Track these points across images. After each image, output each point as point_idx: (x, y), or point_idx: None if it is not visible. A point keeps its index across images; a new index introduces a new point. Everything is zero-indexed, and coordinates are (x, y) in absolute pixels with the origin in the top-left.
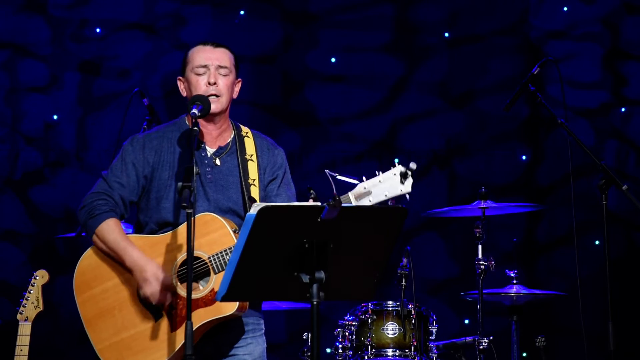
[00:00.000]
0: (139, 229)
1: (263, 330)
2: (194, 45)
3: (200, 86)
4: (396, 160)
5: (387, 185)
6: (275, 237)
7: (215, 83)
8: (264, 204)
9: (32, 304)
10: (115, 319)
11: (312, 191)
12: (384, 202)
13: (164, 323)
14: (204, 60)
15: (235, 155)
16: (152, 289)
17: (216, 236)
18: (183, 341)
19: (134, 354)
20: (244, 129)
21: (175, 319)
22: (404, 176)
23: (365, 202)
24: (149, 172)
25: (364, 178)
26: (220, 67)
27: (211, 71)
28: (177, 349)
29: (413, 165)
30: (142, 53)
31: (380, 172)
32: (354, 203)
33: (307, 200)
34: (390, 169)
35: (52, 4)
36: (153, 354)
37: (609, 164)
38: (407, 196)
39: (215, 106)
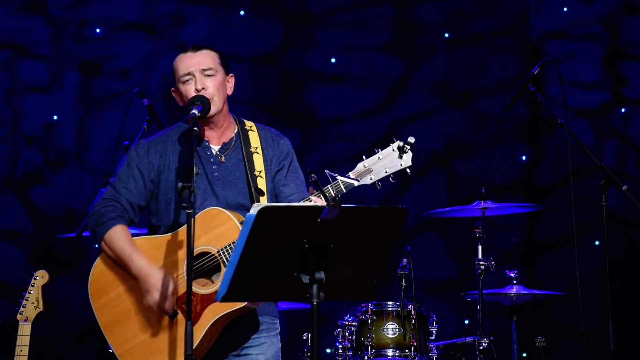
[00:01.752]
0: (152, 232)
1: (278, 330)
2: (178, 55)
3: (190, 94)
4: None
5: (387, 161)
6: (275, 237)
7: (203, 88)
8: (263, 204)
9: (32, 304)
10: (131, 322)
11: (312, 174)
12: (386, 178)
13: (180, 321)
14: (187, 67)
15: (240, 149)
16: (152, 299)
17: (224, 229)
18: (201, 336)
19: (152, 354)
20: (248, 123)
21: (190, 315)
22: (402, 150)
23: (367, 180)
24: (155, 176)
25: (364, 157)
26: (204, 70)
27: (197, 77)
28: (196, 345)
29: (411, 139)
30: (142, 53)
31: (380, 150)
32: (355, 183)
33: (309, 185)
34: (389, 145)
35: (52, 4)
36: (171, 352)
37: (609, 164)
38: (408, 170)
39: (211, 109)
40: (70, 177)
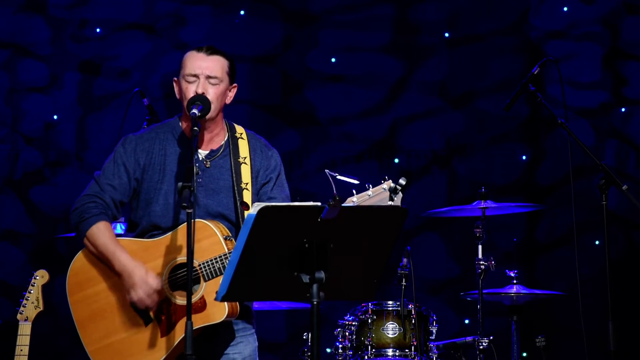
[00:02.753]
0: (131, 227)
1: (254, 330)
2: (191, 49)
3: (189, 94)
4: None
5: (377, 199)
6: (275, 237)
7: (203, 93)
8: (264, 204)
9: (32, 304)
10: (106, 322)
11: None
12: None
13: (154, 328)
14: (195, 69)
15: (229, 158)
16: (138, 294)
17: (207, 244)
18: (172, 347)
19: (123, 357)
20: (239, 130)
21: (165, 324)
22: (393, 192)
23: None
24: (139, 174)
25: (354, 191)
26: (210, 77)
27: (200, 81)
28: (166, 355)
29: (402, 181)
30: (142, 53)
31: (371, 186)
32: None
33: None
34: (381, 183)
35: (52, 4)
36: (143, 357)
37: (609, 164)
38: None
39: (210, 110)
40: (70, 177)
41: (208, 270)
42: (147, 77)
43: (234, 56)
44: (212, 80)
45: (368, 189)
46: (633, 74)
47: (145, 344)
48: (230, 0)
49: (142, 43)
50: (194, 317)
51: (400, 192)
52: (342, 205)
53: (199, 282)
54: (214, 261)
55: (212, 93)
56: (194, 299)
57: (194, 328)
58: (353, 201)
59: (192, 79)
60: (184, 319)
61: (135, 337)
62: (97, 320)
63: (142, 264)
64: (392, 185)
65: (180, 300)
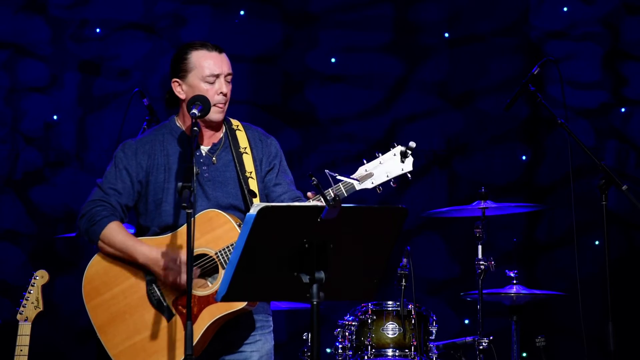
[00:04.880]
0: (140, 233)
1: (271, 328)
2: (194, 48)
3: (211, 96)
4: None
5: (388, 165)
6: (275, 237)
7: (225, 94)
8: (263, 204)
9: (32, 304)
10: (127, 323)
11: (313, 178)
12: (386, 183)
13: (177, 322)
14: (215, 69)
15: (229, 150)
16: (172, 276)
17: (221, 231)
18: (197, 339)
19: (149, 355)
20: (234, 122)
21: (191, 315)
22: (403, 155)
23: (368, 184)
24: (143, 176)
25: (365, 161)
26: (228, 74)
27: (222, 80)
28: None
29: (412, 144)
30: (142, 53)
31: (380, 154)
32: (356, 184)
33: (310, 187)
34: (390, 149)
35: (52, 4)
36: (168, 354)
37: (609, 164)
38: (409, 175)
39: (220, 116)
40: (70, 177)
41: (226, 257)
42: (147, 77)
43: (234, 56)
44: (227, 78)
45: (378, 157)
46: (633, 74)
47: (169, 339)
48: (230, 0)
49: (142, 43)
50: (216, 306)
51: (410, 156)
52: (342, 205)
53: (217, 272)
54: (230, 247)
55: (229, 92)
56: (214, 288)
57: (217, 317)
58: (365, 169)
59: (212, 79)
60: (206, 309)
61: (159, 333)
62: (117, 323)
63: (162, 247)
64: (402, 149)
65: (201, 291)
